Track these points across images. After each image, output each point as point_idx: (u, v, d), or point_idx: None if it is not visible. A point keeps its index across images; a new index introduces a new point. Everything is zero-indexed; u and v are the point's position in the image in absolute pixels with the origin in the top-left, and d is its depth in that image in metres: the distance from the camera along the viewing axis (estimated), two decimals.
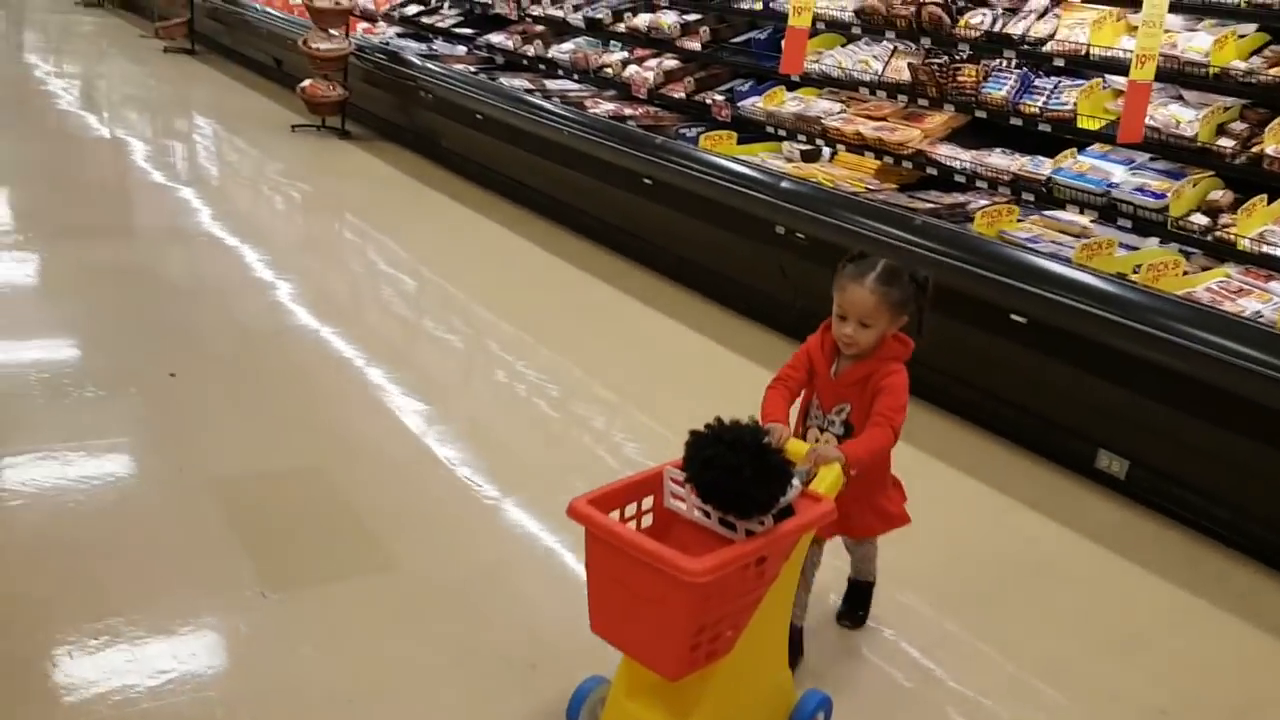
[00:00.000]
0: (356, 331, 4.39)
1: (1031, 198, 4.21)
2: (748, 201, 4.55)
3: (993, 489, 3.53)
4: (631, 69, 6.06)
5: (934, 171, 4.49)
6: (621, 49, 6.39)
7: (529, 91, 6.33)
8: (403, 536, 2.96)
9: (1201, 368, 3.13)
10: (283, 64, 9.59)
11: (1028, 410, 3.80)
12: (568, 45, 6.66)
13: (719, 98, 5.53)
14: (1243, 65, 3.69)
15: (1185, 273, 3.64)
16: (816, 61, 5.00)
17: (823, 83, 5.10)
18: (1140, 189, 3.82)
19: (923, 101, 4.59)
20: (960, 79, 4.40)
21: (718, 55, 5.73)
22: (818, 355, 2.43)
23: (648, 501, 2.14)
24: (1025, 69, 4.32)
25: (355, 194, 6.82)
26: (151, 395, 3.65)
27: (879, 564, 2.73)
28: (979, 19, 4.39)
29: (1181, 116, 3.82)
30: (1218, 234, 3.64)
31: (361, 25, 8.51)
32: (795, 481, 2.02)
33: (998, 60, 4.40)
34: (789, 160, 4.94)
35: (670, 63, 5.95)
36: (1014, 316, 3.58)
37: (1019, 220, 4.11)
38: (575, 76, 6.57)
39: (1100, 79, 4.09)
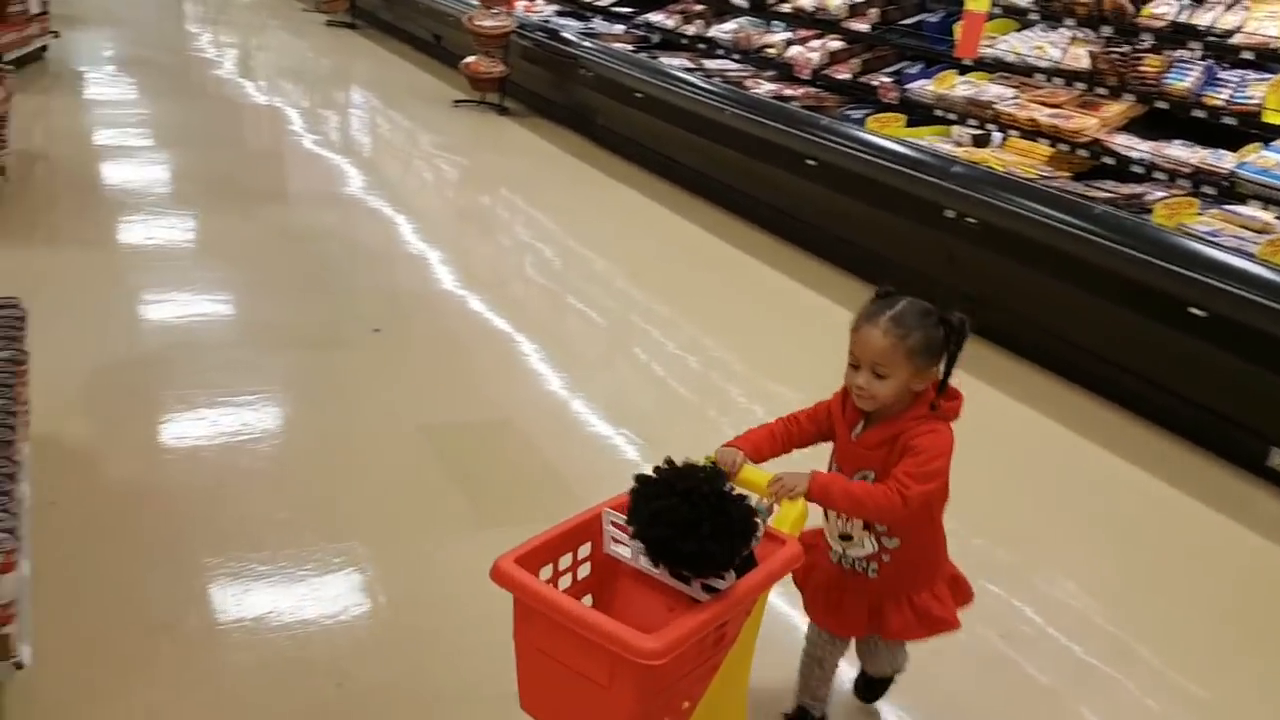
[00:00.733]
0: (513, 298, 4.65)
1: (1213, 191, 4.16)
2: (916, 185, 4.61)
3: (1159, 479, 3.54)
4: (795, 49, 6.15)
5: (1110, 161, 4.47)
6: (785, 29, 6.48)
7: (688, 70, 6.48)
8: (601, 491, 3.15)
9: None
10: (442, 39, 9.92)
11: (1200, 405, 3.79)
12: (729, 25, 6.77)
13: (886, 79, 5.58)
14: None
15: None
16: (991, 46, 5.01)
17: (995, 68, 5.10)
18: None
19: (1101, 90, 4.57)
20: (1142, 68, 4.37)
21: (885, 37, 5.77)
22: (838, 413, 2.03)
23: (585, 549, 1.86)
24: (1210, 60, 4.26)
25: (529, 172, 7.04)
26: (359, 349, 3.96)
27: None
28: (1164, 9, 4.35)
29: None
30: None
31: (521, 3, 8.77)
32: (760, 530, 1.71)
33: (1180, 51, 4.36)
34: (958, 144, 4.97)
35: (835, 44, 6.02)
36: (1192, 310, 3.59)
37: (1199, 213, 4.08)
38: (735, 56, 6.69)
39: None
